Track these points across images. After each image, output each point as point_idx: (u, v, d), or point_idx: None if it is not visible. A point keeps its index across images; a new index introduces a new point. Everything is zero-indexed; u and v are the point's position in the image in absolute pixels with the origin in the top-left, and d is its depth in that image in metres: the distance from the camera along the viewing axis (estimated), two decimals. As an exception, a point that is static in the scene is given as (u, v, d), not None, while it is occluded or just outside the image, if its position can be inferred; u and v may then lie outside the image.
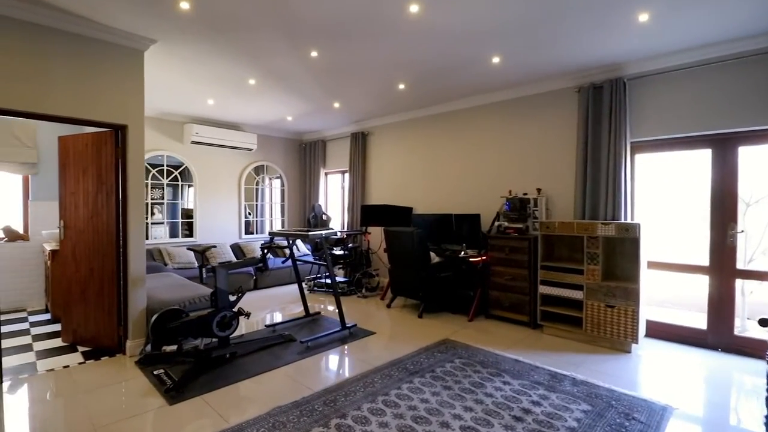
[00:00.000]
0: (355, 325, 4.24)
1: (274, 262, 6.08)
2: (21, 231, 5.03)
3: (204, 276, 3.25)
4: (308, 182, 7.56)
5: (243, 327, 4.20)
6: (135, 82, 3.47)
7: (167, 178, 6.12)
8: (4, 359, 3.38)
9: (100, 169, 3.54)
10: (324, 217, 6.87)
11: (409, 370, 3.14)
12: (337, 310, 3.99)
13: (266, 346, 3.64)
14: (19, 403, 2.67)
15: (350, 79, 4.43)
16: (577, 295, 3.83)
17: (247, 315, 3.49)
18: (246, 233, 7.12)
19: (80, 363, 3.32)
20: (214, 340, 3.35)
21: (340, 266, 6.39)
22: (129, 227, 3.48)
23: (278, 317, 4.83)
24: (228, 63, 3.93)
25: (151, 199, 6.05)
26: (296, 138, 7.75)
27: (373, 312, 4.93)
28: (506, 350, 3.58)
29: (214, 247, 3.88)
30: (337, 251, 6.01)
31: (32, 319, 4.58)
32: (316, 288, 6.03)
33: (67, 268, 3.80)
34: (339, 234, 6.62)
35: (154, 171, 5.97)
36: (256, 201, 7.35)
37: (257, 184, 7.30)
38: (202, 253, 3.38)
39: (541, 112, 4.59)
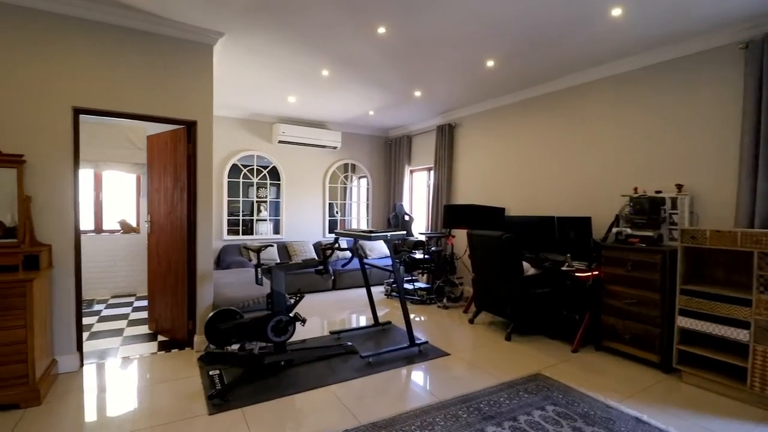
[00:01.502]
0: (427, 342, 3.67)
1: (335, 264, 5.83)
2: (134, 224, 5.63)
3: (259, 277, 3.06)
4: (393, 180, 7.20)
5: (307, 330, 3.96)
6: (204, 78, 3.45)
7: (257, 177, 6.33)
8: (97, 341, 3.66)
9: (176, 165, 3.62)
10: (406, 217, 6.42)
11: (482, 412, 2.47)
12: (410, 322, 3.47)
13: (325, 356, 3.30)
14: (77, 391, 2.75)
15: (428, 59, 3.88)
16: (739, 335, 2.68)
17: (303, 321, 3.20)
18: (330, 232, 7.05)
19: (153, 353, 3.40)
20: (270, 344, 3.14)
21: (421, 272, 5.85)
22: (198, 223, 3.48)
23: (347, 322, 4.52)
24: (297, 52, 3.73)
25: (257, 197, 6.32)
26: (381, 134, 7.45)
27: (452, 327, 4.29)
28: (624, 401, 2.65)
29: (271, 246, 3.67)
30: (417, 255, 5.49)
31: (136, 303, 5.04)
32: (394, 294, 5.61)
33: (152, 260, 4.01)
34: (418, 236, 6.10)
35: (245, 170, 6.22)
36: (343, 200, 7.25)
37: (342, 183, 7.19)
38: (257, 251, 3.20)
39: (681, 80, 3.42)
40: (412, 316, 4.69)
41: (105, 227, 5.51)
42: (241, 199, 6.21)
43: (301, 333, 3.81)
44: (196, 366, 3.13)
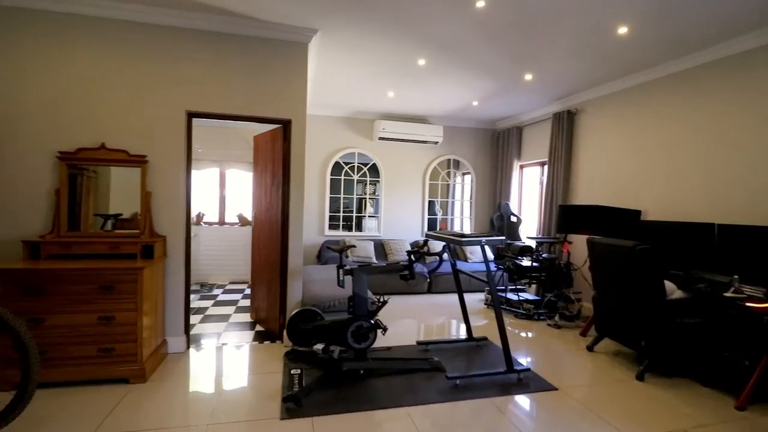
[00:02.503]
0: (529, 369, 3.10)
1: (431, 267, 5.42)
2: (249, 218, 6.16)
3: (341, 278, 2.92)
4: (500, 177, 6.52)
5: (393, 336, 3.72)
6: (299, 76, 3.46)
7: (357, 174, 6.36)
8: (207, 325, 4.00)
9: (274, 163, 3.72)
10: (512, 218, 5.72)
11: (596, 481, 1.88)
12: (508, 341, 2.96)
13: (407, 369, 3.02)
14: (178, 373, 2.96)
15: (540, 34, 3.25)
16: None
17: (384, 329, 2.96)
18: (429, 230, 6.73)
19: (248, 342, 3.57)
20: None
21: (528, 282, 5.12)
22: (290, 220, 3.52)
23: (438, 332, 4.15)
24: (390, 41, 3.49)
25: (365, 194, 6.41)
26: (487, 127, 6.82)
27: (564, 353, 3.59)
28: None
29: (353, 246, 3.48)
30: (524, 262, 4.81)
31: (247, 291, 5.48)
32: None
33: (254, 253, 4.24)
34: (526, 241, 5.37)
35: (346, 168, 6.30)
36: (445, 197, 6.87)
37: (443, 180, 6.80)
38: (339, 251, 3.06)
39: None
40: (514, 333, 4.10)
41: (227, 220, 6.14)
42: (342, 196, 6.32)
43: (386, 339, 3.60)
44: (282, 361, 3.15)
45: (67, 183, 3.01)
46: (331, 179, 6.23)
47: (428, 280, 5.58)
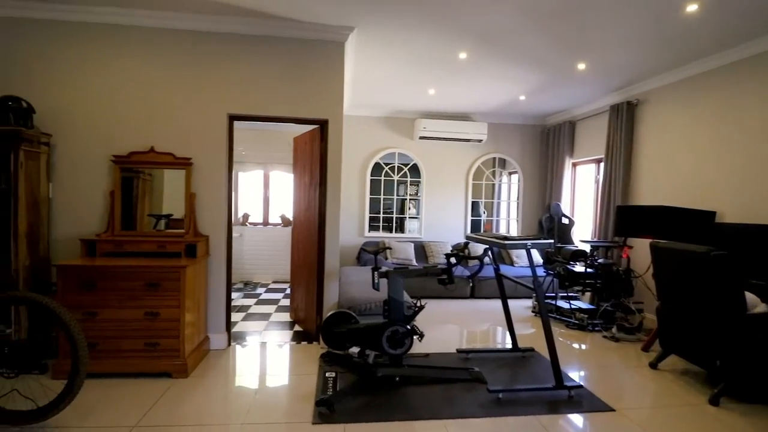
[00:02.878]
0: (582, 386, 2.82)
1: (462, 270, 5.16)
2: (291, 219, 6.27)
3: (376, 281, 2.83)
4: (550, 176, 6.13)
5: (432, 342, 3.57)
6: (335, 76, 3.42)
7: (398, 174, 6.26)
8: (249, 323, 4.08)
9: (312, 164, 3.72)
10: (564, 220, 5.34)
11: None
12: (557, 353, 2.71)
13: (446, 379, 2.86)
14: (218, 370, 3.01)
15: (595, 15, 2.97)
16: None
17: (420, 336, 2.83)
18: (472, 232, 6.48)
19: (286, 342, 3.58)
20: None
21: (582, 289, 4.73)
22: (326, 220, 3.49)
23: (480, 340, 3.94)
24: (429, 34, 3.36)
25: (408, 195, 6.33)
26: (536, 123, 6.44)
27: (623, 368, 3.25)
28: None
29: (389, 249, 3.36)
30: (576, 267, 4.45)
31: (288, 291, 5.56)
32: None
33: (293, 253, 4.28)
34: (579, 244, 4.97)
35: (386, 168, 6.23)
36: (490, 198, 6.58)
37: (488, 179, 6.51)
38: (374, 254, 2.97)
39: None
40: (565, 344, 3.79)
41: (271, 221, 6.30)
42: (382, 196, 6.25)
43: (425, 345, 3.45)
44: (317, 363, 3.12)
45: (120, 185, 3.19)
46: (370, 180, 6.18)
47: (470, 284, 5.36)
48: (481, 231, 6.61)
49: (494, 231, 6.76)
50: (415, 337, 2.82)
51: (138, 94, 3.21)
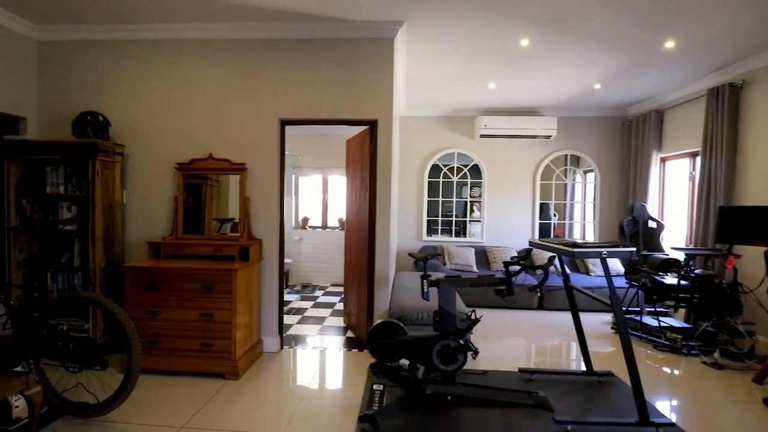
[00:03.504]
0: (674, 424, 2.34)
1: (527, 278, 4.63)
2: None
3: (425, 289, 2.62)
4: (633, 174, 5.40)
5: (490, 358, 3.25)
6: (384, 74, 3.29)
7: (457, 176, 5.97)
8: (302, 326, 4.10)
9: (362, 166, 3.62)
10: (651, 224, 4.65)
11: None
12: (639, 383, 2.28)
13: (505, 402, 2.56)
14: (268, 373, 3.00)
15: (688, -20, 2.48)
16: None
17: (474, 353, 2.56)
18: (541, 237, 5.95)
19: (337, 349, 3.51)
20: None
21: (674, 305, 4.03)
22: (376, 225, 3.36)
23: (546, 359, 3.52)
24: (486, 23, 3.09)
25: (468, 197, 6.05)
26: (614, 114, 5.74)
27: (727, 403, 2.66)
28: None
29: (439, 255, 3.10)
30: (667, 279, 3.82)
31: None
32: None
33: (346, 257, 4.22)
34: (670, 252, 4.27)
35: (445, 169, 5.96)
36: (562, 199, 6.01)
37: (558, 179, 5.94)
38: (423, 261, 2.75)
39: None
40: (652, 369, 3.25)
41: (329, 224, 6.36)
42: (440, 199, 6.00)
43: (483, 361, 3.16)
44: (365, 374, 2.98)
45: (182, 190, 3.35)
46: (428, 182, 5.96)
47: (537, 294, 4.89)
48: (551, 236, 6.05)
49: (567, 236, 6.15)
50: (469, 353, 2.55)
51: (198, 103, 3.37)
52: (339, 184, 6.43)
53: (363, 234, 3.60)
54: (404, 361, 2.99)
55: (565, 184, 6.03)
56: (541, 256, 5.30)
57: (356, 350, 3.49)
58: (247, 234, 3.29)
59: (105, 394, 2.26)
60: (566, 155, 5.91)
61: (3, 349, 2.25)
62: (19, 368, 2.29)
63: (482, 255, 5.63)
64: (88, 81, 3.42)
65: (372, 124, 3.37)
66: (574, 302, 3.01)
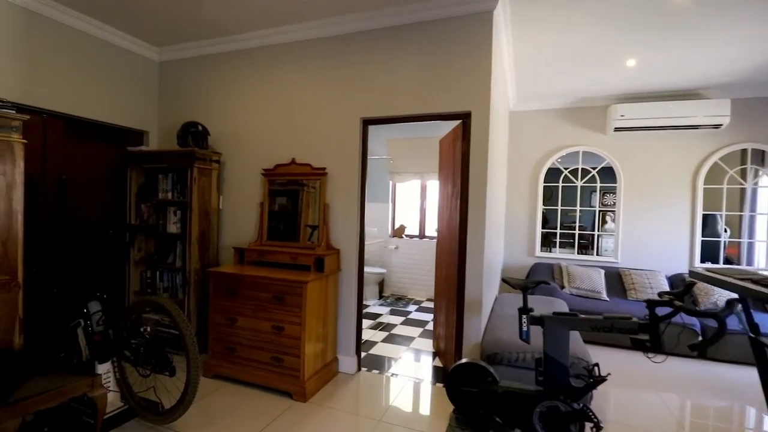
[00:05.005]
0: None
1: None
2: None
3: (523, 328, 1.96)
4: None
5: (619, 425, 2.36)
6: (480, 57, 2.72)
7: (581, 180, 4.93)
8: (386, 346, 3.73)
9: (454, 168, 3.10)
10: None
11: None
12: None
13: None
14: (337, 400, 2.68)
15: None
16: None
17: (596, 426, 1.81)
18: (704, 260, 4.52)
19: (418, 380, 3.03)
20: None
21: None
22: (468, 238, 2.80)
23: (721, 439, 2.45)
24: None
25: (598, 205, 5.04)
26: (834, 90, 4.01)
27: None
28: None
29: (546, 283, 2.34)
30: None
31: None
32: None
33: (437, 272, 3.72)
34: None
35: (566, 172, 4.98)
36: (738, 210, 4.48)
37: (730, 182, 4.43)
38: (523, 290, 2.07)
39: None
40: None
41: (427, 233, 5.92)
42: (559, 207, 5.03)
43: (611, 428, 2.32)
44: (445, 421, 2.44)
45: (267, 196, 3.31)
46: (544, 187, 5.05)
47: (699, 339, 3.62)
48: (722, 258, 4.53)
49: (743, 260, 4.55)
50: (587, 424, 1.82)
51: (283, 108, 3.30)
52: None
53: (453, 247, 3.07)
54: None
55: (743, 190, 4.46)
56: (708, 293, 3.97)
57: (442, 385, 2.96)
58: (325, 243, 3.07)
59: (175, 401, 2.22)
60: (745, 150, 4.37)
61: (96, 345, 2.39)
62: (107, 364, 2.41)
63: (615, 279, 4.50)
64: (196, 94, 3.66)
65: (465, 118, 2.83)
66: (762, 362, 1.98)
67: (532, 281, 2.16)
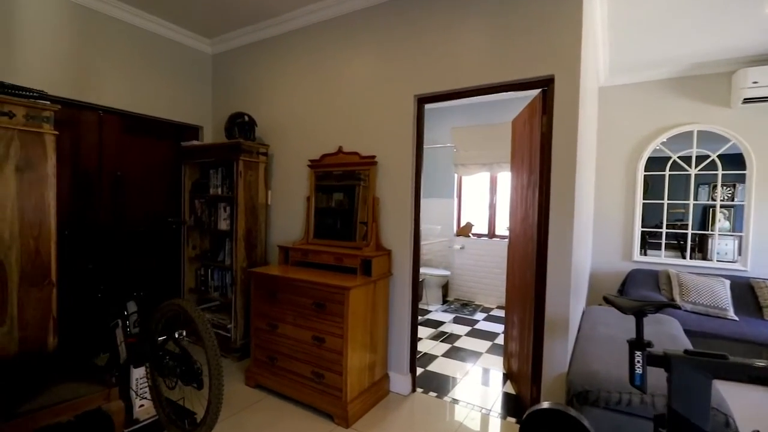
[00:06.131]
0: None
1: None
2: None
3: (637, 369, 1.36)
4: None
5: None
6: (565, 3, 2.11)
7: (697, 167, 3.95)
8: (448, 363, 3.25)
9: (531, 151, 2.52)
10: None
11: None
12: None
13: None
14: (386, 426, 2.26)
15: None
16: None
17: None
18: None
19: (486, 410, 2.51)
20: None
21: None
22: (548, 237, 2.22)
23: None
24: None
25: (711, 200, 4.05)
26: None
27: None
28: None
29: (675, 307, 1.64)
30: None
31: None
32: None
33: (508, 280, 3.15)
34: None
35: (675, 157, 4.03)
36: None
37: None
38: (637, 314, 1.43)
39: None
40: None
41: (497, 232, 5.28)
42: (666, 201, 4.09)
43: None
44: (522, 471, 1.91)
45: (314, 190, 3.02)
46: (644, 177, 4.15)
47: None
48: None
49: None
50: None
51: (331, 91, 2.98)
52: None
53: (529, 249, 2.49)
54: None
55: None
56: None
57: (513, 420, 2.41)
58: (374, 242, 2.68)
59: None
60: None
61: (131, 348, 2.26)
62: (142, 369, 2.27)
63: (744, 292, 3.50)
64: (246, 85, 3.50)
65: (545, 86, 2.25)
66: None
67: (651, 303, 1.53)
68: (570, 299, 2.17)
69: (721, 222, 3.99)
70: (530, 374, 2.35)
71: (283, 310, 2.53)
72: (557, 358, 2.19)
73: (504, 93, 2.44)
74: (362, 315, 2.38)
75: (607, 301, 1.58)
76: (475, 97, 2.94)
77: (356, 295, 2.30)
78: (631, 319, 1.52)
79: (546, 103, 2.25)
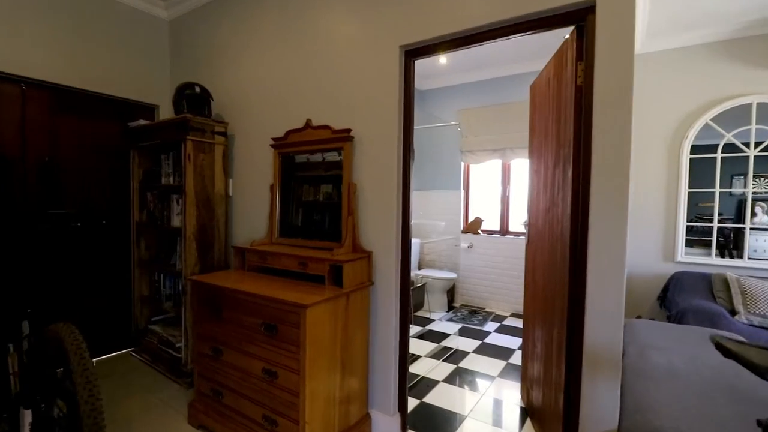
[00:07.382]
0: None
1: None
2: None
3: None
4: None
5: None
6: None
7: (757, 148, 3.23)
8: (450, 390, 2.60)
9: (559, 118, 1.85)
10: None
11: None
12: None
13: None
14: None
15: None
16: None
17: None
18: None
19: (498, 466, 1.87)
20: None
21: None
22: (589, 235, 1.56)
23: None
24: None
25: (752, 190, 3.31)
26: None
27: None
28: None
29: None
30: None
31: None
32: None
33: (526, 284, 2.49)
34: None
35: (729, 136, 3.30)
36: None
37: None
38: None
39: None
40: None
41: (511, 228, 4.60)
42: (717, 190, 3.37)
43: None
44: None
45: (279, 176, 2.41)
46: (689, 161, 3.44)
47: None
48: None
49: None
50: None
51: (306, 57, 2.35)
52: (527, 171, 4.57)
53: (557, 249, 1.84)
54: None
55: None
56: None
57: (537, 482, 1.76)
58: (350, 242, 2.05)
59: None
60: None
61: (23, 380, 1.68)
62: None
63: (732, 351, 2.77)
64: (207, 54, 2.92)
65: (581, 20, 1.58)
66: None
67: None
68: (621, 324, 1.50)
69: (759, 215, 3.27)
70: (562, 413, 1.69)
71: (228, 332, 1.93)
72: (602, 401, 1.54)
73: (521, 36, 1.77)
74: (329, 339, 1.76)
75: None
76: (484, 73, 2.28)
77: (317, 314, 1.68)
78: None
79: (583, 45, 1.59)
